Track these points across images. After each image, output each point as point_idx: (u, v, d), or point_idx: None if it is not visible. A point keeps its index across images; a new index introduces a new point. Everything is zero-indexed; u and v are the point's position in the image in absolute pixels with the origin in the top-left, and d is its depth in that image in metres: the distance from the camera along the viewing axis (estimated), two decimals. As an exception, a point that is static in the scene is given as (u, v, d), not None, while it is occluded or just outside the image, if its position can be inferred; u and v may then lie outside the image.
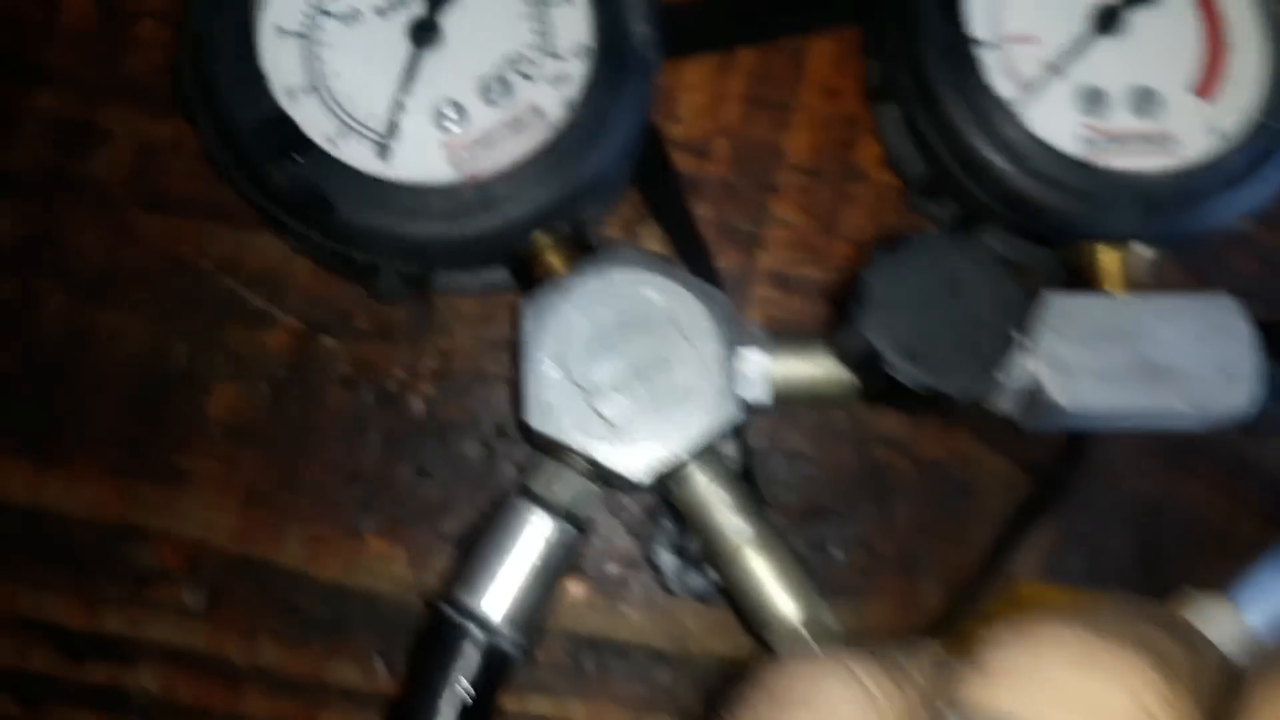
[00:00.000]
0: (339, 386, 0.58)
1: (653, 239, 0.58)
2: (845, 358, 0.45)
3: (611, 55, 0.48)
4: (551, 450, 0.48)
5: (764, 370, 0.47)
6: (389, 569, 0.57)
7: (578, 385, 0.46)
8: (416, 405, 0.58)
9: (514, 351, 0.48)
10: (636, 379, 0.46)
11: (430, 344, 0.58)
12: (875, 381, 0.43)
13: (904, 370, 0.41)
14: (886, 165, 0.59)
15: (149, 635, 0.56)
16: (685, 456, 0.46)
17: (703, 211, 0.59)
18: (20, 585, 0.56)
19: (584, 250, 0.49)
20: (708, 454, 0.47)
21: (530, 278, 0.49)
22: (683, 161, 0.59)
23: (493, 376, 0.58)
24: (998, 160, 0.48)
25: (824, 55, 0.60)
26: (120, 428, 0.57)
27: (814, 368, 0.48)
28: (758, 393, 0.47)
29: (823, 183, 0.60)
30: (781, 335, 0.49)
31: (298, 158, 0.45)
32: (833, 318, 0.49)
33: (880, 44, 0.54)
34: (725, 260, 0.59)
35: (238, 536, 0.57)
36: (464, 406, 0.58)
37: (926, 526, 0.58)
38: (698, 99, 0.59)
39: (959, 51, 0.48)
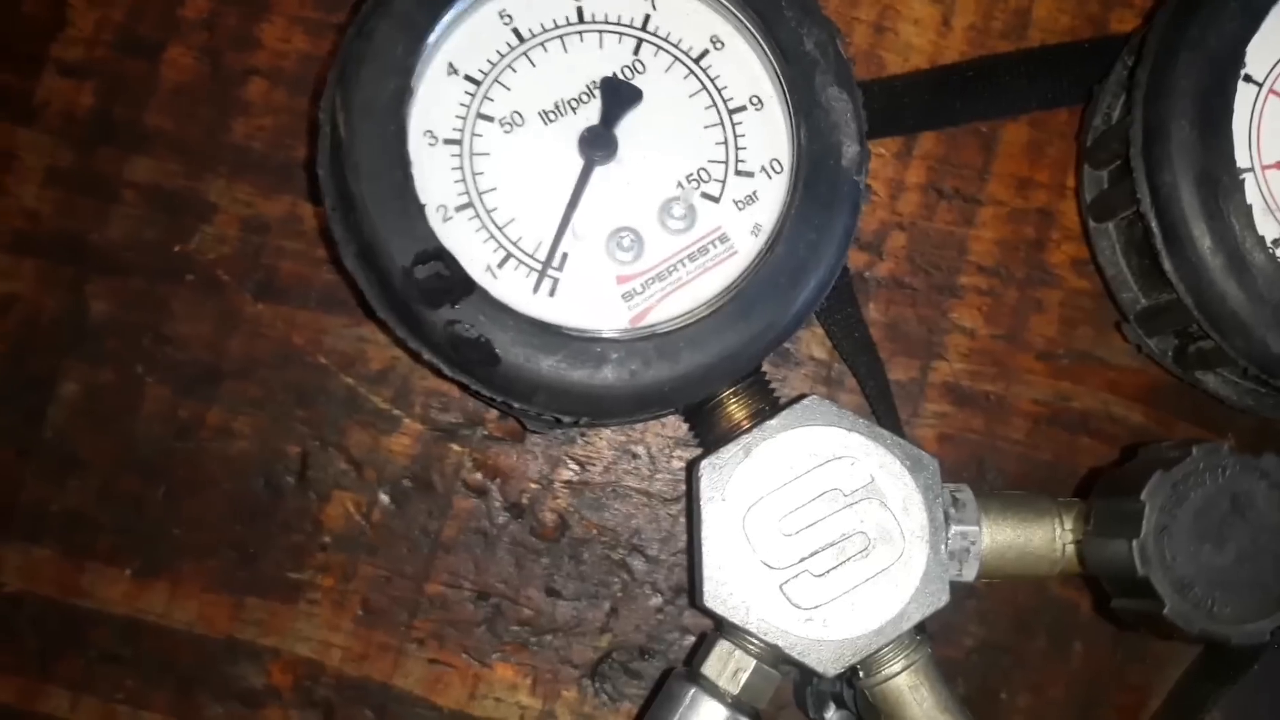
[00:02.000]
0: (466, 496, 0.51)
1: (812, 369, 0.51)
2: (1097, 566, 0.38)
3: (815, 178, 0.40)
4: (724, 628, 0.41)
5: (976, 549, 0.40)
6: (515, 698, 0.51)
7: (765, 563, 0.39)
8: (549, 518, 0.52)
9: (688, 515, 0.41)
10: (832, 558, 0.39)
11: (565, 453, 0.52)
12: (1128, 600, 0.36)
13: (1179, 610, 0.34)
14: (1084, 271, 0.52)
15: (256, 759, 0.51)
16: (881, 646, 0.40)
17: (873, 314, 0.51)
18: (117, 703, 0.50)
19: (767, 400, 0.42)
20: (907, 639, 0.41)
21: (708, 430, 0.42)
22: (853, 257, 0.51)
23: (629, 490, 0.52)
24: (1252, 309, 0.41)
25: (1017, 142, 0.52)
26: (228, 535, 0.51)
27: (1027, 543, 0.41)
28: (967, 573, 0.41)
29: (1009, 286, 0.52)
30: (989, 498, 0.42)
31: (457, 302, 0.38)
32: (1087, 515, 0.41)
33: (1105, 153, 0.46)
34: (895, 370, 0.51)
35: (353, 657, 0.51)
36: (599, 522, 0.51)
37: (1102, 670, 0.52)
38: (873, 187, 0.52)
39: (1217, 181, 0.40)
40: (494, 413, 0.51)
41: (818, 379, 0.50)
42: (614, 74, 0.39)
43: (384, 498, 0.50)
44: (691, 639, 0.50)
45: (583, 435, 0.51)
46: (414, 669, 0.50)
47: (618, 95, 0.39)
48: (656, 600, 0.50)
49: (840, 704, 0.47)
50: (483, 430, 0.50)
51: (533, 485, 0.50)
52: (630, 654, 0.50)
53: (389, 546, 0.50)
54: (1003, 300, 0.51)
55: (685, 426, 0.50)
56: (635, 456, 0.51)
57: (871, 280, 0.51)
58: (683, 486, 0.51)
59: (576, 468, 0.51)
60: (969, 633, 0.50)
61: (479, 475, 0.50)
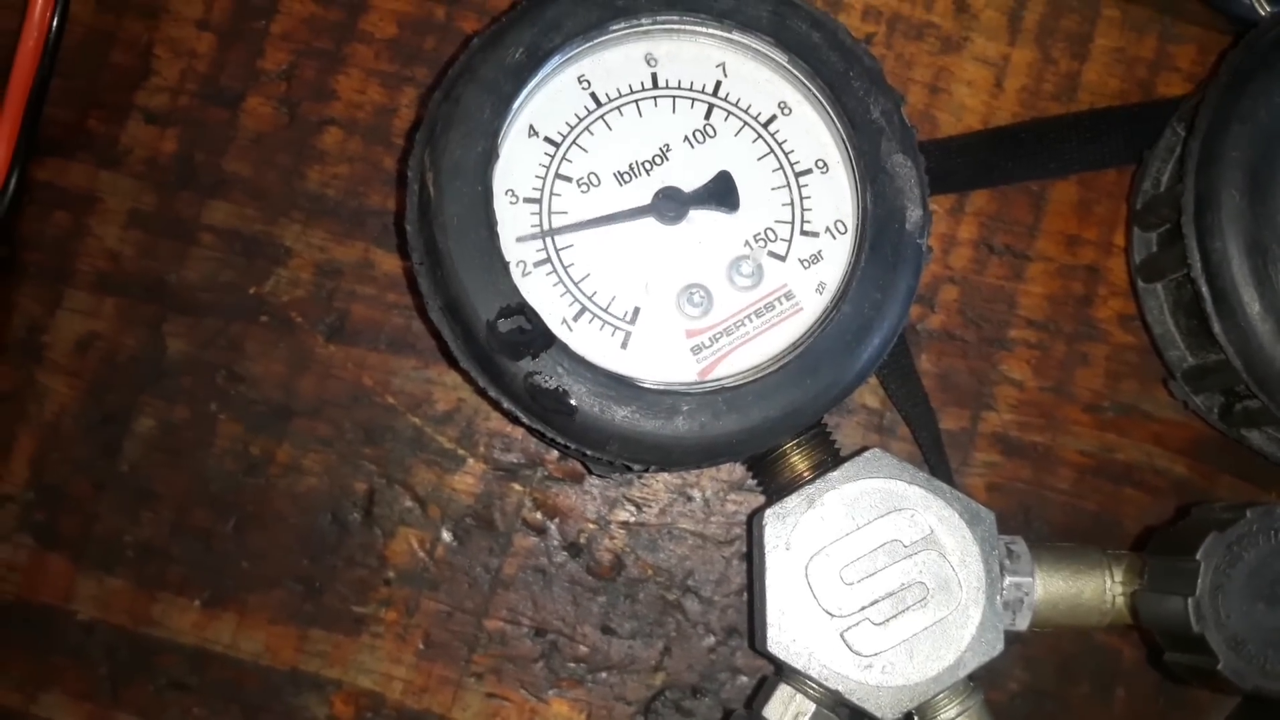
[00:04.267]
0: (526, 534, 0.53)
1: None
2: (1151, 620, 0.40)
3: (881, 240, 0.42)
4: (785, 672, 0.43)
5: (1030, 600, 0.42)
6: (571, 733, 0.53)
7: (827, 611, 0.41)
8: (605, 557, 0.54)
9: (749, 562, 0.43)
10: (891, 607, 0.41)
11: (623, 494, 0.54)
12: (1181, 654, 0.38)
13: (1232, 667, 0.36)
14: (1129, 327, 0.54)
15: (318, 788, 0.53)
16: (938, 693, 0.42)
17: (925, 365, 0.53)
18: (185, 729, 0.52)
19: (828, 452, 0.44)
20: (961, 686, 0.43)
21: (770, 479, 0.44)
22: (906, 310, 0.53)
23: (685, 532, 0.54)
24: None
25: (1066, 200, 0.54)
26: (294, 569, 0.53)
27: (1079, 595, 0.43)
28: (1021, 624, 0.43)
29: (1057, 339, 0.54)
30: (1042, 550, 0.44)
31: (537, 354, 0.40)
32: (1138, 569, 0.43)
33: (1155, 217, 0.48)
34: (946, 420, 0.53)
35: (414, 690, 0.53)
36: (655, 562, 0.53)
37: (1144, 717, 0.53)
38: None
39: (1266, 250, 0.43)
40: (554, 454, 0.53)
41: (870, 427, 0.52)
42: (728, 171, 0.42)
43: (447, 535, 0.52)
44: (744, 679, 0.52)
45: (640, 478, 0.53)
46: (472, 702, 0.52)
47: (722, 190, 0.42)
48: (709, 640, 0.52)
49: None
50: (543, 470, 0.52)
51: (590, 525, 0.52)
52: (683, 692, 0.52)
53: (451, 582, 0.52)
54: (1051, 354, 0.53)
55: (740, 472, 0.52)
56: (690, 499, 0.53)
57: (924, 332, 0.53)
58: (736, 530, 0.53)
59: (633, 509, 0.53)
60: (1014, 677, 0.52)
61: (539, 514, 0.53)
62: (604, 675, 0.52)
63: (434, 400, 0.52)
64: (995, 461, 0.52)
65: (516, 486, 0.52)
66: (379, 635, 0.52)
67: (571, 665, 0.52)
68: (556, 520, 0.52)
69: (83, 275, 0.53)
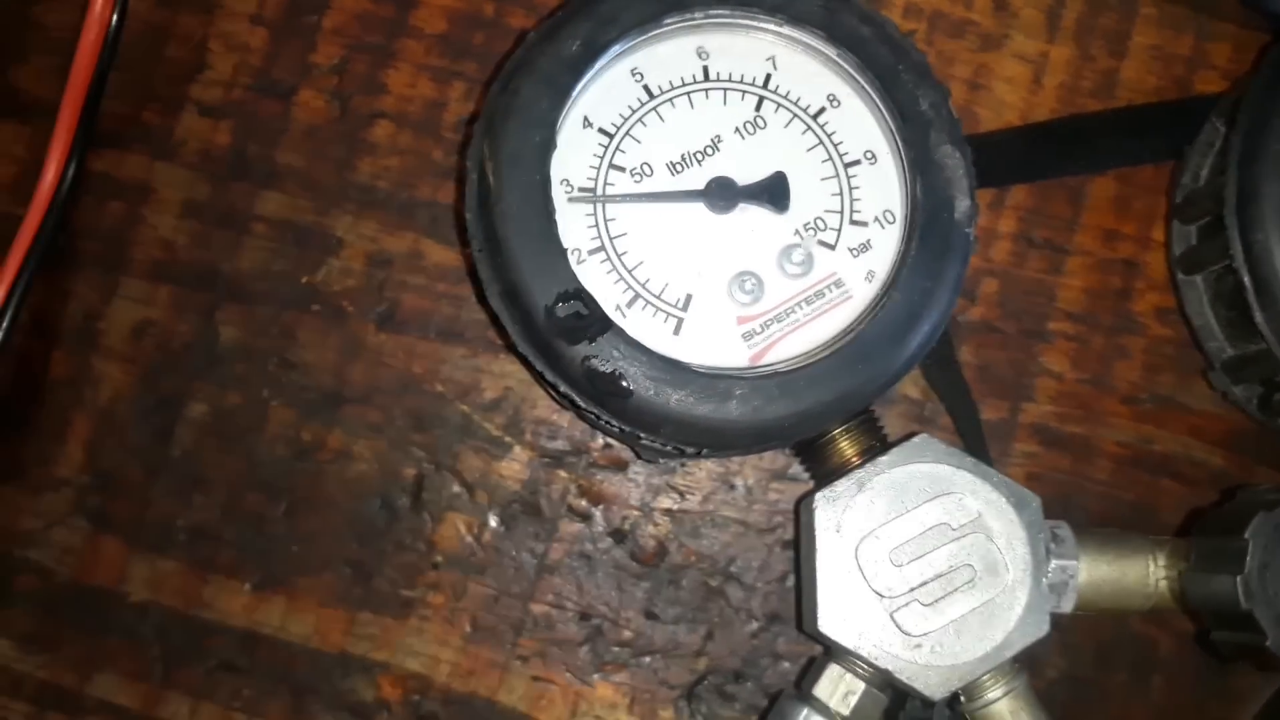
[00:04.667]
0: (571, 520, 0.54)
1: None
2: (1199, 600, 0.41)
3: (930, 229, 0.43)
4: (835, 652, 0.44)
5: (1074, 583, 0.43)
6: (614, 716, 0.54)
7: (876, 592, 0.42)
8: (648, 544, 0.55)
9: (797, 546, 0.44)
10: (940, 588, 0.42)
11: (666, 482, 0.55)
12: (1229, 633, 0.39)
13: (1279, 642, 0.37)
14: (1167, 320, 0.54)
15: (365, 769, 0.53)
16: (984, 673, 0.43)
17: (965, 356, 0.54)
18: (234, 711, 0.53)
19: (876, 438, 0.45)
20: (1007, 666, 0.44)
21: (818, 464, 0.45)
22: (946, 302, 0.54)
23: (728, 519, 0.54)
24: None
25: (1104, 196, 0.55)
26: (344, 553, 0.54)
27: (1122, 578, 0.44)
28: (1066, 606, 0.43)
29: (1096, 332, 0.55)
30: (1087, 535, 0.45)
31: (594, 338, 0.41)
32: (1183, 552, 0.44)
33: (1195, 210, 0.49)
34: (986, 411, 0.54)
35: (461, 673, 0.54)
36: (698, 549, 0.54)
37: (1182, 706, 0.54)
38: (972, 236, 0.55)
39: (1308, 241, 0.43)
40: (599, 441, 0.54)
41: (911, 417, 0.53)
42: (784, 172, 0.43)
43: (494, 520, 0.53)
44: (786, 665, 0.53)
45: (683, 466, 0.54)
46: (518, 685, 0.53)
47: (775, 190, 0.43)
48: (751, 626, 0.53)
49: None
50: (588, 458, 0.54)
51: (634, 512, 0.53)
52: (725, 677, 0.53)
53: (497, 567, 0.53)
54: (1089, 346, 0.54)
55: (782, 461, 0.53)
56: (733, 488, 0.54)
57: (965, 324, 0.54)
58: (778, 518, 0.54)
59: (676, 497, 0.54)
60: (1052, 664, 0.53)
61: (584, 501, 0.54)
62: (647, 660, 0.53)
63: (482, 388, 0.54)
64: (1034, 452, 0.53)
65: (562, 473, 0.53)
66: (426, 618, 0.53)
67: (616, 649, 0.53)
68: (601, 507, 0.53)
69: (138, 264, 0.54)
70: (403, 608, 0.53)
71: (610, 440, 0.53)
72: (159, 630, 0.53)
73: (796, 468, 0.53)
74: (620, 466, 0.54)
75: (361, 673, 0.52)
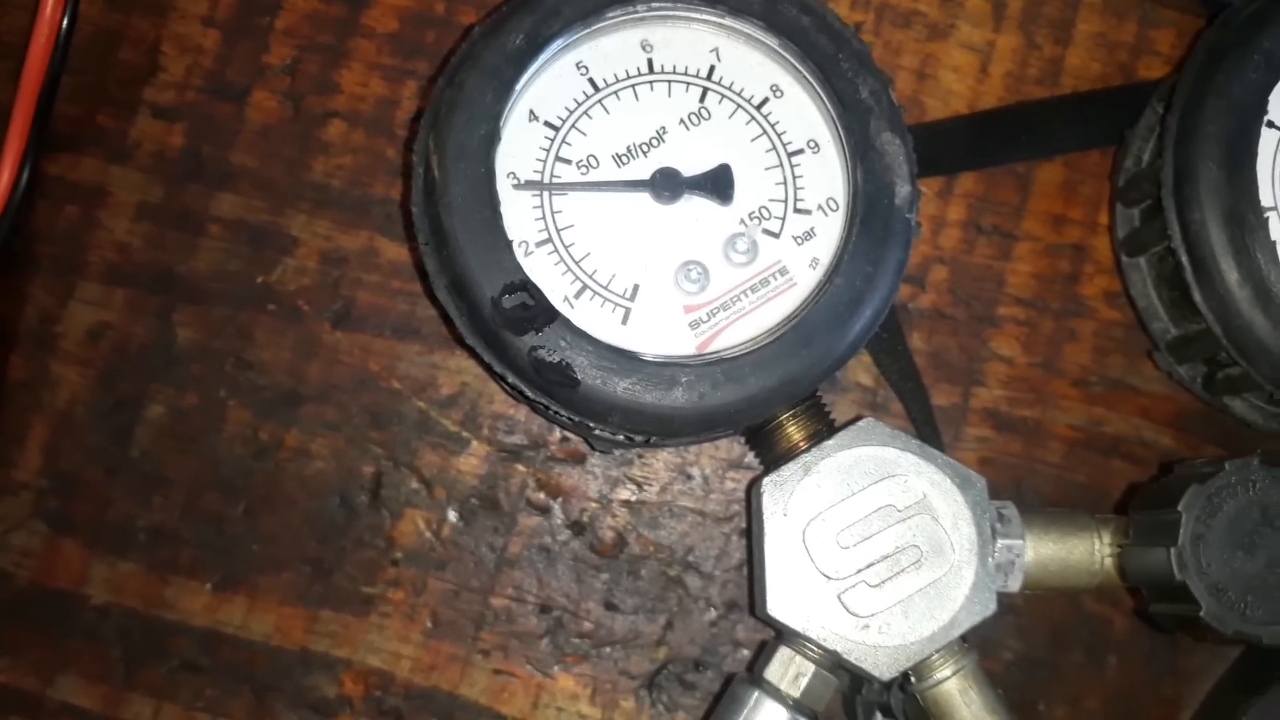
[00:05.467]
0: (530, 514, 0.55)
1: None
2: (1137, 574, 0.41)
3: (871, 216, 0.44)
4: (785, 635, 0.45)
5: (1020, 562, 0.44)
6: (576, 707, 0.54)
7: (824, 574, 0.43)
8: (607, 535, 0.55)
9: (748, 531, 0.45)
10: (887, 569, 0.43)
11: (624, 474, 0.55)
12: (1166, 604, 0.39)
13: (1214, 613, 0.37)
14: (1115, 303, 0.55)
15: (329, 765, 0.54)
16: (934, 652, 0.43)
17: (916, 343, 0.55)
18: (196, 711, 0.53)
19: (823, 422, 0.46)
20: (955, 646, 0.44)
21: (767, 450, 0.46)
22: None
23: (685, 509, 0.55)
24: (1277, 337, 0.44)
25: (1051, 181, 0.56)
26: (304, 551, 0.54)
27: (1068, 556, 0.44)
28: (1013, 585, 0.44)
29: (1045, 317, 0.56)
30: (1033, 515, 0.45)
31: (541, 329, 0.42)
32: (1125, 528, 0.44)
33: (1136, 193, 0.50)
34: (938, 396, 0.55)
35: (422, 668, 0.54)
36: (656, 539, 0.55)
37: (1136, 685, 0.55)
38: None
39: (1243, 219, 0.44)
40: (557, 435, 0.54)
41: (864, 404, 0.54)
42: (729, 165, 0.44)
43: (453, 515, 0.54)
44: (745, 652, 0.53)
45: (640, 457, 0.54)
46: (479, 679, 0.53)
47: (720, 180, 0.43)
48: (710, 615, 0.53)
49: (887, 713, 0.50)
50: (546, 452, 0.54)
51: (593, 504, 0.54)
52: (685, 666, 0.53)
53: (457, 562, 0.53)
54: (1039, 330, 0.54)
55: (738, 450, 0.54)
56: (690, 478, 0.54)
57: (915, 311, 0.54)
58: (735, 507, 0.54)
59: (634, 488, 0.54)
60: (1008, 646, 0.54)
61: (542, 494, 0.54)
62: (608, 650, 0.53)
63: (439, 384, 0.54)
64: (987, 436, 0.54)
65: (520, 467, 0.54)
66: (387, 615, 0.53)
67: (576, 641, 0.53)
68: (560, 500, 0.54)
69: (93, 267, 0.55)
70: (363, 604, 0.53)
71: (567, 434, 0.54)
72: (120, 631, 0.53)
73: (752, 457, 0.54)
74: (578, 460, 0.54)
75: (323, 670, 0.53)
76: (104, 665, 0.53)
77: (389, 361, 0.54)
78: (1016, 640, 0.53)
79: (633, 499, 0.54)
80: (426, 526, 0.53)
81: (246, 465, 0.53)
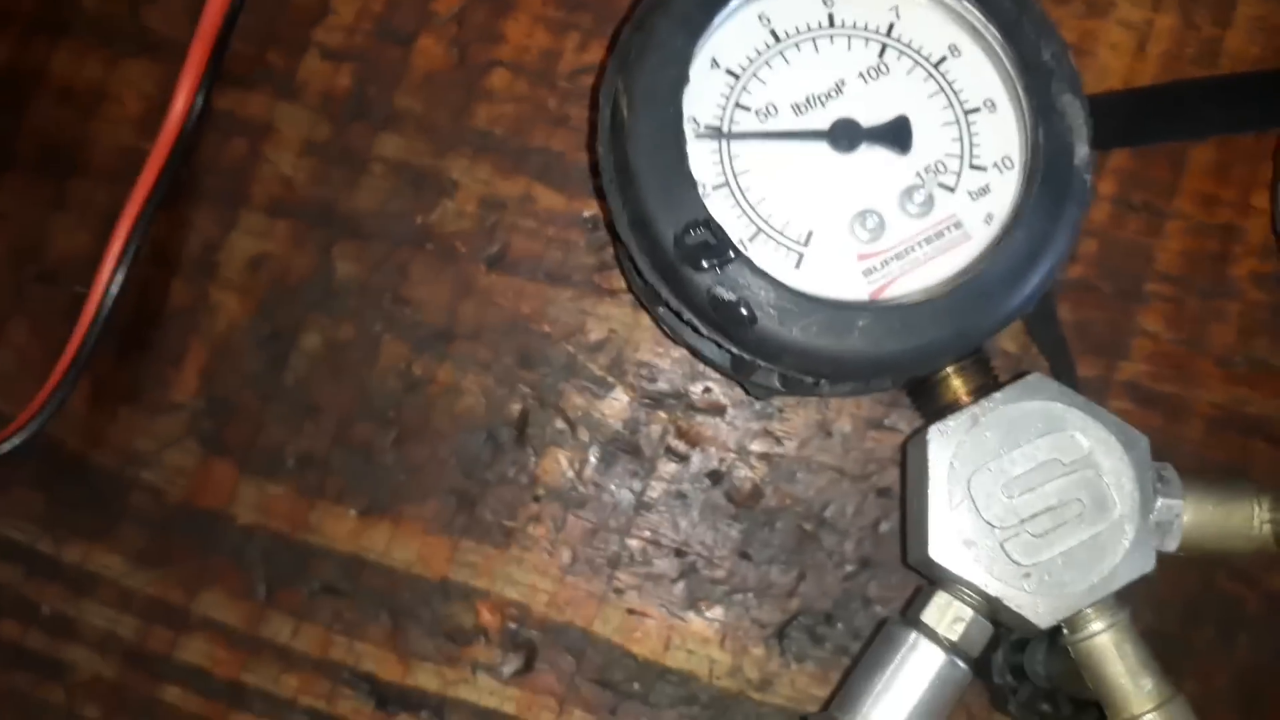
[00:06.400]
0: (669, 460, 0.56)
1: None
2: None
3: (1051, 175, 0.44)
4: (943, 582, 0.45)
5: (1179, 522, 0.44)
6: (706, 651, 0.55)
7: (988, 522, 0.43)
8: (744, 486, 0.56)
9: (905, 476, 0.45)
10: (1050, 521, 0.44)
11: (763, 427, 0.56)
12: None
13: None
14: (1263, 285, 0.55)
15: (460, 695, 0.55)
16: (1091, 605, 0.44)
17: (1063, 314, 0.56)
18: (335, 632, 0.55)
19: (987, 377, 0.47)
20: (1110, 601, 0.45)
21: (929, 402, 0.46)
22: (1045, 260, 0.55)
23: (823, 465, 0.56)
24: None
25: (1205, 161, 0.56)
26: (450, 483, 0.55)
27: (1226, 520, 0.45)
28: (1171, 544, 0.44)
29: (1193, 295, 0.56)
30: (1192, 478, 0.46)
31: (721, 266, 0.42)
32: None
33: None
34: (1083, 367, 0.55)
35: (558, 603, 0.55)
36: (791, 492, 0.56)
37: (1267, 665, 0.55)
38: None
39: None
40: (699, 386, 0.55)
41: (1009, 371, 0.54)
42: (907, 117, 0.45)
43: (594, 457, 0.55)
44: (877, 609, 0.54)
45: (780, 411, 0.55)
46: (613, 617, 0.54)
47: (899, 131, 0.44)
48: (844, 570, 0.54)
49: (1019, 675, 0.50)
50: (687, 400, 0.55)
51: (731, 455, 0.55)
52: (816, 619, 0.54)
53: (597, 502, 0.54)
54: (1185, 308, 0.55)
55: (880, 409, 0.54)
56: (829, 435, 0.55)
57: (1063, 283, 0.55)
58: (872, 466, 0.55)
59: (773, 441, 0.55)
60: (1140, 619, 0.53)
61: (682, 443, 0.55)
62: (739, 598, 0.54)
63: (587, 330, 0.55)
64: (1128, 409, 0.54)
65: (661, 415, 0.55)
66: (527, 549, 0.54)
67: (709, 586, 0.54)
68: (698, 449, 0.55)
69: (257, 199, 0.56)
70: (504, 538, 0.54)
71: (710, 386, 0.55)
72: (265, 552, 0.54)
73: (893, 417, 0.54)
74: (719, 410, 0.55)
75: (461, 599, 0.54)
76: (247, 584, 0.54)
77: (540, 305, 0.55)
78: (1149, 612, 0.53)
79: (771, 452, 0.55)
80: (569, 466, 0.54)
81: (398, 398, 0.55)
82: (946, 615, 0.43)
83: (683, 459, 0.55)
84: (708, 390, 0.55)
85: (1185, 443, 0.54)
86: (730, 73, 0.46)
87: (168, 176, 0.52)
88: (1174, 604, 0.54)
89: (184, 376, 0.55)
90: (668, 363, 0.55)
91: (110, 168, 0.57)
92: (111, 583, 0.55)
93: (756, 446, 0.55)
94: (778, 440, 0.55)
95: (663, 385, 0.55)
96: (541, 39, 0.57)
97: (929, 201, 0.45)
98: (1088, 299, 0.55)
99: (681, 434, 0.55)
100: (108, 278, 0.51)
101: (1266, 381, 0.54)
